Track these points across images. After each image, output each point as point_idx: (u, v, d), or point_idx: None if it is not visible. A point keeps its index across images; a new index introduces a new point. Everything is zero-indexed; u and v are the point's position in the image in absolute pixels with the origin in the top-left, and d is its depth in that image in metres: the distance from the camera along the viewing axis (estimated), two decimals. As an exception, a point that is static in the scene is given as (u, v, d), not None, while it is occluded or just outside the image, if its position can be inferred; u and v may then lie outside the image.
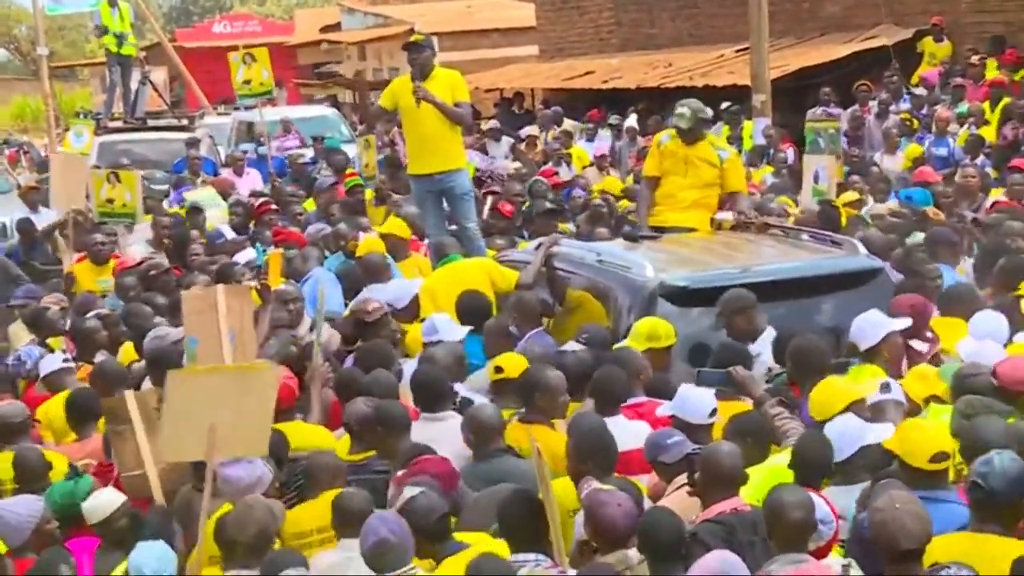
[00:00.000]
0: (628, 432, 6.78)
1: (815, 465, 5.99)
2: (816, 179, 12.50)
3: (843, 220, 11.20)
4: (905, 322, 7.49)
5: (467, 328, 8.42)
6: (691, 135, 10.31)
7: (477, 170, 15.59)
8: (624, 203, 13.82)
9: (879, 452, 6.05)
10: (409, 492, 5.93)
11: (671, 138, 10.46)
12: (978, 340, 7.28)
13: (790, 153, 16.73)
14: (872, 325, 7.45)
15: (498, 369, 7.60)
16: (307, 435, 7.35)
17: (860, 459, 6.07)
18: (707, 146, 10.37)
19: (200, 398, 6.12)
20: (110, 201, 13.62)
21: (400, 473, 6.43)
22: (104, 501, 6.55)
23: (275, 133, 20.44)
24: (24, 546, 6.39)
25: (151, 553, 5.84)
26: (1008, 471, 5.36)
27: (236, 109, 25.45)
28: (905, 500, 5.23)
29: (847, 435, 6.11)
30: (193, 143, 19.20)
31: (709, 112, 10.71)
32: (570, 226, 12.87)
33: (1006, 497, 5.34)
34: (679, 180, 10.25)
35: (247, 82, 17.09)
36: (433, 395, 7.40)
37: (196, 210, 14.28)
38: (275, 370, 6.57)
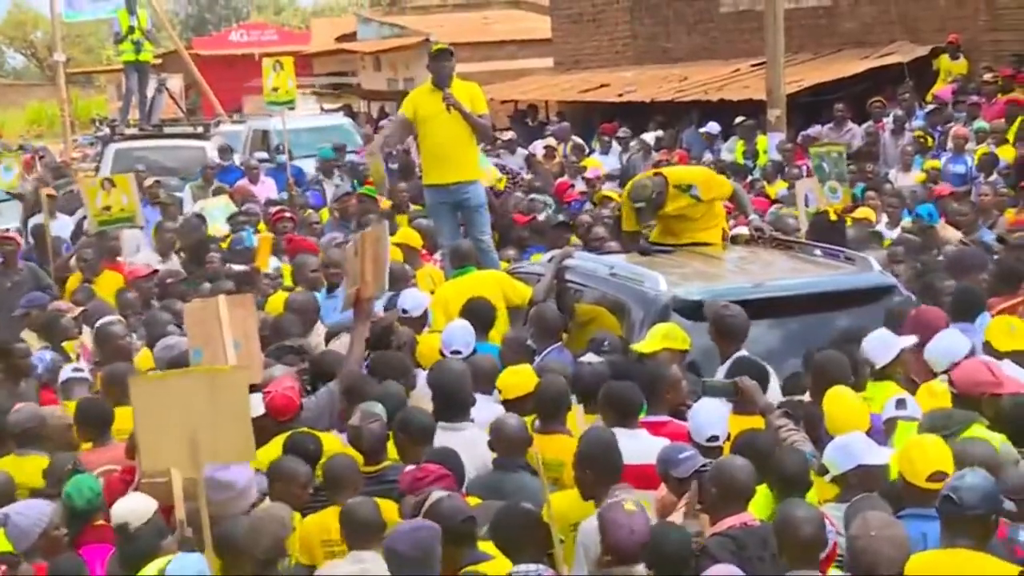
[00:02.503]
0: (648, 447, 6.75)
1: (790, 480, 6.01)
2: (807, 203, 12.55)
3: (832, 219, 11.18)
4: (911, 339, 7.50)
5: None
6: (659, 208, 9.91)
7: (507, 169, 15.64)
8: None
9: (878, 474, 6.06)
10: (435, 496, 5.95)
11: None
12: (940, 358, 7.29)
13: (804, 168, 16.72)
14: (884, 344, 7.46)
15: (498, 390, 7.60)
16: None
17: (855, 478, 6.06)
18: (678, 197, 9.84)
19: (168, 405, 5.95)
20: (107, 208, 13.52)
21: (406, 473, 6.44)
22: (135, 506, 6.43)
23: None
24: (32, 551, 6.36)
25: (188, 563, 5.73)
26: (979, 487, 5.37)
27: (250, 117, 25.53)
28: (880, 524, 5.22)
29: (847, 451, 6.11)
30: (225, 151, 19.32)
31: (660, 184, 9.90)
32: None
33: (977, 513, 5.34)
34: (674, 225, 10.00)
35: (275, 89, 17.18)
36: (453, 405, 7.42)
37: (199, 218, 14.30)
38: (243, 371, 6.46)
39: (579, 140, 21.28)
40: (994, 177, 15.04)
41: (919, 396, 7.07)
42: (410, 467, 6.55)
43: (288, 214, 14.10)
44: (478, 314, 8.87)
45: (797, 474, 6.04)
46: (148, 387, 6.26)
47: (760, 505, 6.02)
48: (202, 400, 5.88)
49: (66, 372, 8.89)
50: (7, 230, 14.64)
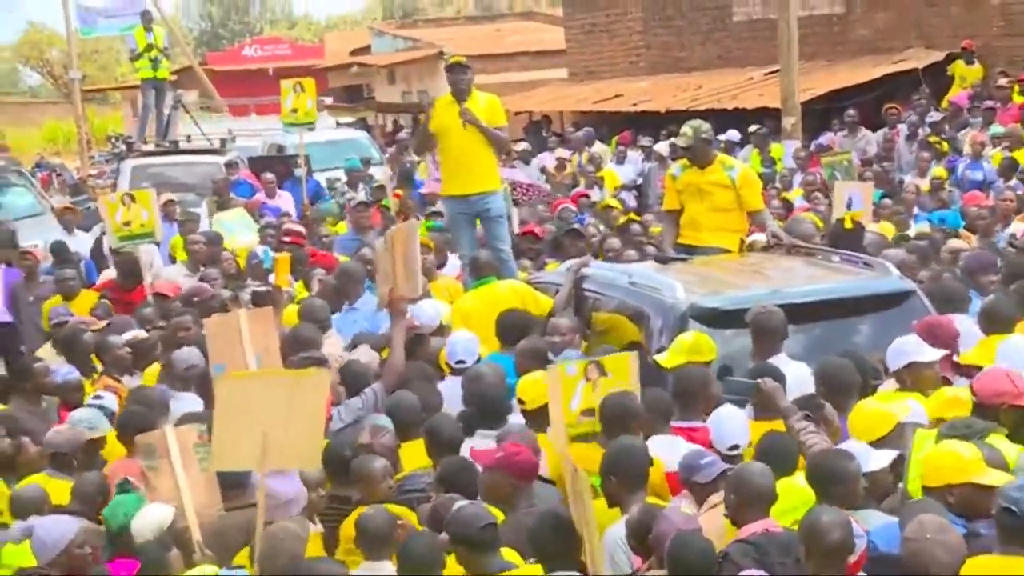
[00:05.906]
0: (681, 452, 6.75)
1: (828, 477, 5.96)
2: (849, 205, 12.48)
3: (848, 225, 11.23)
4: (933, 354, 7.42)
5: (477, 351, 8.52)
6: (696, 155, 10.09)
7: (515, 183, 15.68)
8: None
9: (884, 478, 6.11)
10: (458, 504, 5.99)
11: (683, 169, 10.30)
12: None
13: (818, 175, 16.71)
14: (897, 351, 7.43)
15: (520, 401, 7.60)
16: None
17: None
18: (718, 169, 10.09)
19: (250, 405, 6.11)
20: (127, 224, 13.53)
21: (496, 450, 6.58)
22: (148, 520, 6.40)
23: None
24: (53, 565, 6.34)
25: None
26: None
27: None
28: (936, 528, 5.23)
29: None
30: (232, 165, 19.38)
31: (710, 132, 10.35)
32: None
33: None
34: (697, 206, 10.12)
35: (294, 111, 17.23)
36: (491, 411, 7.48)
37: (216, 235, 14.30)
38: (326, 375, 6.60)
39: (599, 149, 21.26)
40: (1014, 182, 15.02)
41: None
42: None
43: (289, 238, 13.78)
44: (511, 326, 8.87)
45: (837, 472, 5.98)
46: (234, 385, 6.41)
47: (779, 510, 6.01)
48: (281, 402, 6.03)
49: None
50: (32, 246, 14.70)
